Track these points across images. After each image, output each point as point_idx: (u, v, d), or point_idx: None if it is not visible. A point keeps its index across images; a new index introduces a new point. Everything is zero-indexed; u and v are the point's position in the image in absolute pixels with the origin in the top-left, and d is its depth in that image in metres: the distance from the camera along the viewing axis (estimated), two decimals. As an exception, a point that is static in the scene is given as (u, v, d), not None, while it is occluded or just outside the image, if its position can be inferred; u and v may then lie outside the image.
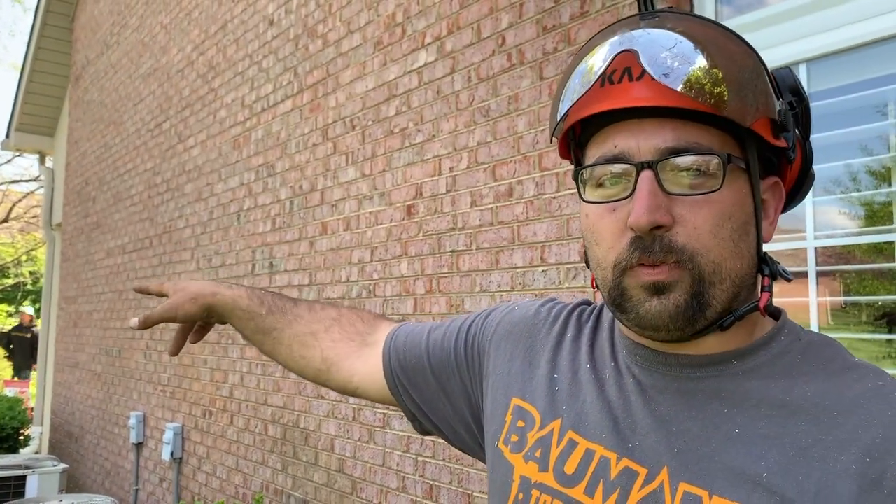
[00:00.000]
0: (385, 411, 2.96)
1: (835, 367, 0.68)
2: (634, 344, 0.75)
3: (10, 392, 9.12)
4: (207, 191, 4.59)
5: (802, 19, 1.91)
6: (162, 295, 1.14)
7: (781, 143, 0.71)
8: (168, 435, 4.62)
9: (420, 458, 2.77)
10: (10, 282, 18.15)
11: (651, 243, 0.66)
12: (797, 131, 0.75)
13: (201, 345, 4.50)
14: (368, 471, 3.04)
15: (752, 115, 0.66)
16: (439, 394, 0.95)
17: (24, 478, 4.91)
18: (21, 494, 4.88)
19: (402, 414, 1.02)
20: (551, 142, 0.70)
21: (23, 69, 8.22)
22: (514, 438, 0.80)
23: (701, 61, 0.65)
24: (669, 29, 0.67)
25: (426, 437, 2.74)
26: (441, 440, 2.69)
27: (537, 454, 0.76)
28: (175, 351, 1.13)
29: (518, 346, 0.87)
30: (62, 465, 5.20)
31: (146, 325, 1.08)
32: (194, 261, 4.70)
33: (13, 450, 6.35)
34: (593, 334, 0.83)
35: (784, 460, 0.63)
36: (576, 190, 0.73)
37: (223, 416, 4.21)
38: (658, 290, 0.66)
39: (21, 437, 6.60)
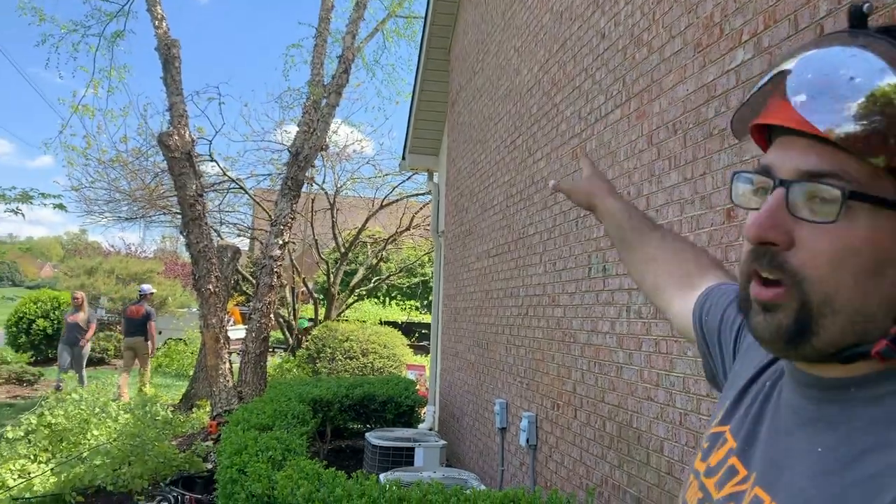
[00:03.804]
0: (709, 417, 2.93)
1: None
2: None
3: (412, 375, 10.73)
4: (552, 199, 4.94)
5: None
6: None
7: None
8: (524, 423, 5.08)
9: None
10: (416, 280, 21.12)
11: (761, 256, 0.69)
12: None
13: (549, 341, 4.86)
14: (695, 476, 3.03)
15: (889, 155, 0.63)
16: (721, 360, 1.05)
17: (412, 449, 5.82)
18: (411, 463, 5.80)
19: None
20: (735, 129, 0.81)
21: (412, 98, 9.60)
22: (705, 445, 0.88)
23: (854, 93, 0.64)
24: (863, 48, 0.65)
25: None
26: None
27: (705, 445, 0.87)
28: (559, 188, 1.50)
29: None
30: (442, 442, 6.04)
31: (558, 189, 1.48)
32: (542, 264, 5.08)
33: (409, 424, 7.51)
34: None
35: (833, 490, 0.64)
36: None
37: (568, 409, 4.51)
38: (765, 307, 0.70)
39: (415, 414, 7.78)
